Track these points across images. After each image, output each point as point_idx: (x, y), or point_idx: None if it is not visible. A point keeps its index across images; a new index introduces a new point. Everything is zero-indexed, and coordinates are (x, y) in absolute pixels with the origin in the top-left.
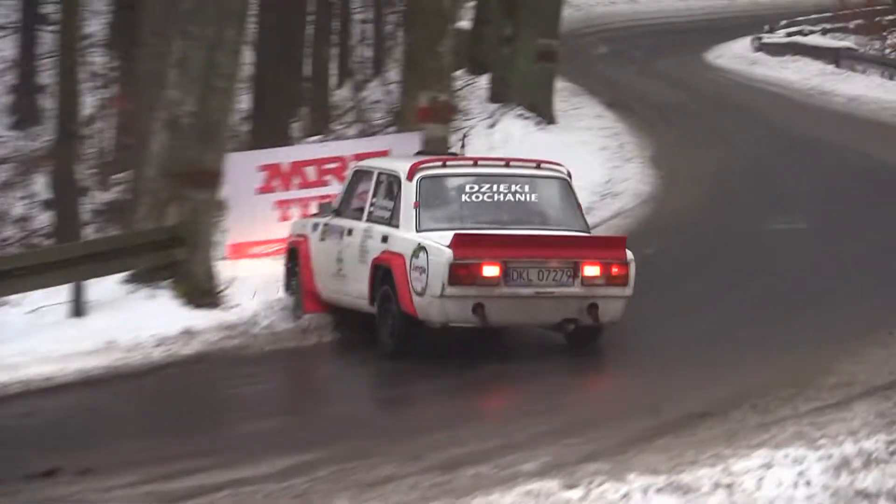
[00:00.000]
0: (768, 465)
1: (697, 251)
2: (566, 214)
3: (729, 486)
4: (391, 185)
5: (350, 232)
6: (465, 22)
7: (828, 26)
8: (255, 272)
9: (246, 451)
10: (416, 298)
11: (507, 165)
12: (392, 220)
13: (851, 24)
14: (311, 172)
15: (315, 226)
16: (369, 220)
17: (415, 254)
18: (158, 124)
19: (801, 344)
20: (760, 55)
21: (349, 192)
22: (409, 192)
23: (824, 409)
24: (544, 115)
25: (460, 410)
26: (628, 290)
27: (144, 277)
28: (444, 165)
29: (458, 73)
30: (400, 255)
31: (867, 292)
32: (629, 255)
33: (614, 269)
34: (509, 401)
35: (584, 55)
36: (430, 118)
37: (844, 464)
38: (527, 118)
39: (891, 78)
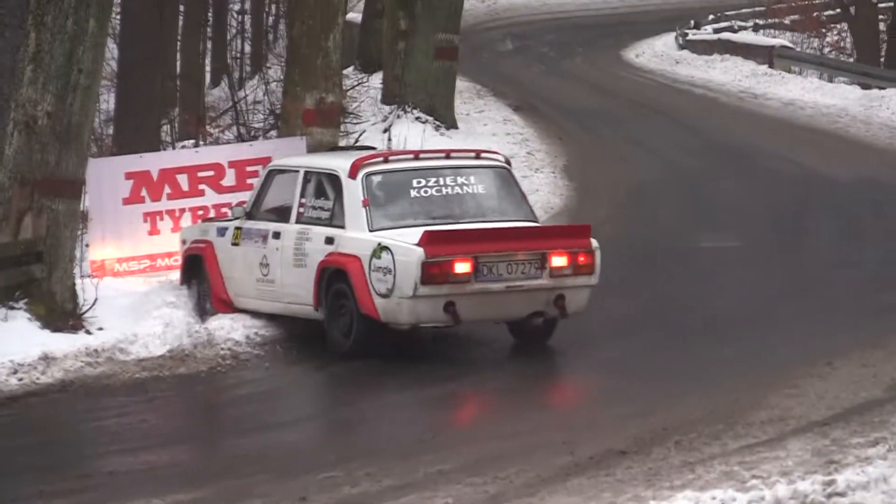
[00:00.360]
0: None
1: (618, 271)
2: (513, 204)
3: None
4: (323, 184)
5: (277, 235)
6: (354, 14)
7: (760, 22)
8: (122, 291)
9: (113, 490)
10: (378, 301)
11: (447, 157)
12: (334, 221)
13: (787, 20)
14: (183, 181)
15: (222, 230)
16: (300, 221)
17: (375, 254)
18: (12, 126)
19: (731, 374)
20: (685, 53)
21: (263, 193)
22: (354, 190)
23: (755, 446)
24: (444, 118)
25: (359, 442)
26: (594, 279)
27: None
28: (386, 161)
29: (348, 70)
30: (355, 257)
31: (805, 316)
32: (594, 242)
33: (581, 258)
34: (417, 430)
35: (488, 52)
36: (317, 121)
37: None
38: (425, 122)
39: (830, 80)
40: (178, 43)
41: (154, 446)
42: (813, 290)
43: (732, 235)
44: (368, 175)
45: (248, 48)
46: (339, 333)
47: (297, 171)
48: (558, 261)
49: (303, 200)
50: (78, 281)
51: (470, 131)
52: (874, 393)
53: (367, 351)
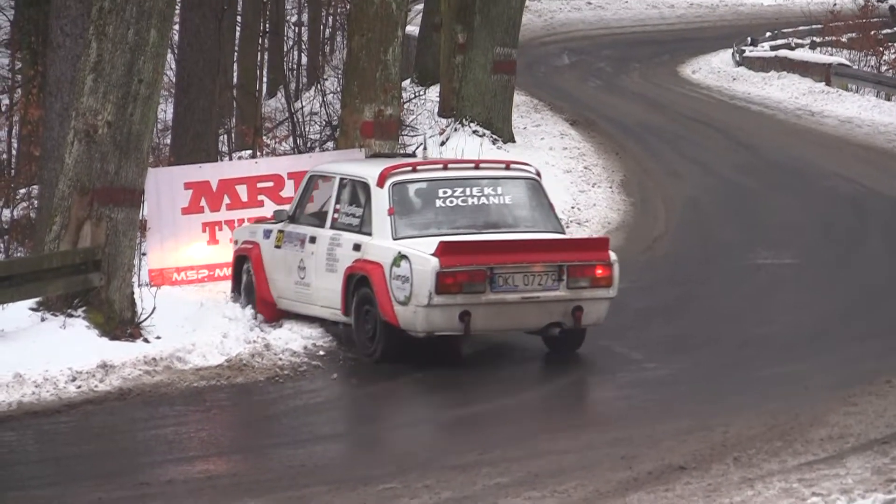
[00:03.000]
0: None
1: (673, 287)
2: (540, 215)
3: None
4: (357, 191)
5: (313, 239)
6: (411, 27)
7: (817, 39)
8: (180, 300)
9: (171, 499)
10: (398, 308)
11: (476, 167)
12: (363, 228)
13: (844, 38)
14: (243, 192)
15: (267, 232)
16: (334, 227)
17: (395, 262)
18: (72, 134)
19: (789, 391)
20: (742, 70)
21: (304, 197)
22: (381, 198)
23: (815, 463)
24: (501, 132)
25: (417, 454)
26: (612, 292)
27: (55, 305)
28: (414, 170)
29: (405, 83)
30: (378, 265)
31: (863, 335)
32: (612, 255)
33: (599, 271)
34: (475, 443)
35: (545, 66)
36: (375, 134)
37: None
38: (482, 135)
39: (887, 98)
40: (236, 54)
41: (212, 455)
42: (869, 308)
43: (788, 253)
44: (395, 184)
45: (304, 59)
46: (364, 338)
47: (334, 178)
48: (576, 273)
49: (337, 207)
50: (136, 290)
51: (527, 145)
52: None
53: (393, 357)
